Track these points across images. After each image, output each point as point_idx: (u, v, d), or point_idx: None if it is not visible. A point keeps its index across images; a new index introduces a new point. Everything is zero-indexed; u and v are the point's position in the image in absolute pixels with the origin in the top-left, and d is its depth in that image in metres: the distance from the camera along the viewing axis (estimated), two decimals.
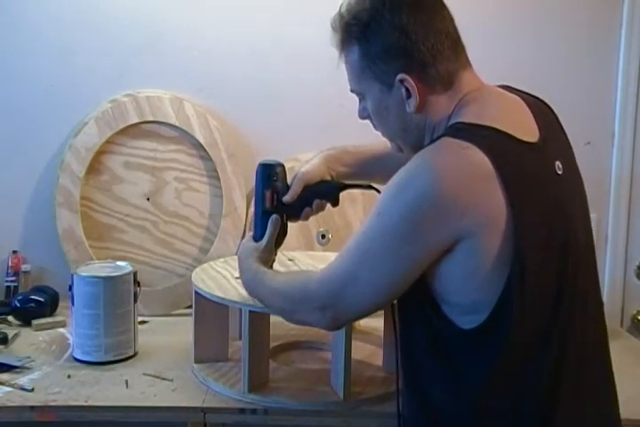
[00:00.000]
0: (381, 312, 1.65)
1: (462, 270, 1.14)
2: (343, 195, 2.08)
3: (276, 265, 1.78)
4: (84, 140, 1.97)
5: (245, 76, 2.06)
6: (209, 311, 1.65)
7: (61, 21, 2.00)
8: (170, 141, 2.04)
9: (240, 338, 1.61)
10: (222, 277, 1.68)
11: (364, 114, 1.35)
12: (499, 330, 1.14)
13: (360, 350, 1.69)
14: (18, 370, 1.63)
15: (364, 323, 1.89)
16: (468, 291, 1.15)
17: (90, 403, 1.51)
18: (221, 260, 1.84)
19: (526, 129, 1.22)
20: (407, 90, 1.23)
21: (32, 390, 1.55)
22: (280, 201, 1.49)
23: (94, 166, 2.00)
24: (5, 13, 2.00)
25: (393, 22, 1.22)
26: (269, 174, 1.49)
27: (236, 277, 1.67)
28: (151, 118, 2.00)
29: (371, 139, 2.09)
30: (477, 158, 1.12)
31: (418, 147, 1.26)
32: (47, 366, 1.67)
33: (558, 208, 1.20)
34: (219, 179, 2.04)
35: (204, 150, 2.03)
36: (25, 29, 2.00)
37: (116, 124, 1.98)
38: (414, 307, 1.23)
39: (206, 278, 1.67)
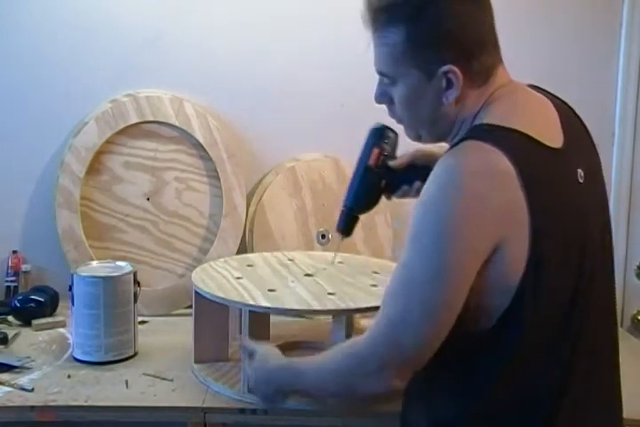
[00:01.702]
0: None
1: (492, 275, 1.12)
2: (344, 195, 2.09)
3: (275, 265, 1.78)
4: (84, 140, 1.97)
5: (245, 76, 2.06)
6: (209, 311, 1.65)
7: (61, 21, 2.00)
8: (170, 141, 2.04)
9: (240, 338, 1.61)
10: (222, 278, 1.68)
11: (382, 99, 1.29)
12: (510, 332, 1.13)
13: None
14: (18, 370, 1.63)
15: (363, 323, 1.89)
16: (488, 293, 1.13)
17: (90, 403, 1.51)
18: (221, 260, 1.84)
19: (551, 133, 1.20)
20: (449, 81, 1.18)
21: (32, 390, 1.55)
22: (385, 163, 1.46)
23: (94, 166, 2.00)
24: (5, 13, 2.00)
25: (449, 9, 1.17)
26: (382, 135, 1.46)
27: (237, 278, 1.67)
28: (151, 118, 2.00)
29: None
30: (502, 163, 1.11)
31: (441, 138, 1.24)
32: (47, 366, 1.67)
33: (576, 217, 1.17)
34: (219, 179, 2.04)
35: (204, 150, 2.03)
36: (25, 29, 2.00)
37: (115, 124, 1.98)
38: None
39: (206, 278, 1.67)
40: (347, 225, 1.55)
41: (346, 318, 1.51)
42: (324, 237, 2.09)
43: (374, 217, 2.10)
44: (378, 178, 1.46)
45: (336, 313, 1.53)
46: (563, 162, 1.18)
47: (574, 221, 1.17)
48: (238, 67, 2.05)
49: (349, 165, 2.08)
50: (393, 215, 2.12)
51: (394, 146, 1.48)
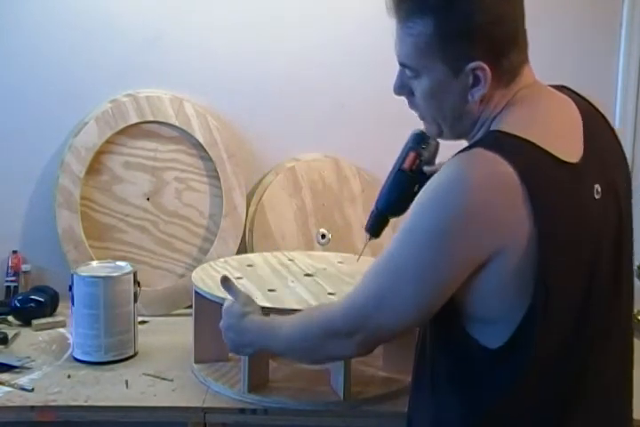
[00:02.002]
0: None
1: (490, 286, 1.10)
2: (345, 194, 2.09)
3: (275, 265, 1.78)
4: (84, 140, 1.97)
5: (245, 76, 2.06)
6: (209, 311, 1.64)
7: (62, 21, 2.00)
8: (170, 141, 2.04)
9: None
10: None
11: (402, 91, 1.22)
12: (521, 349, 1.11)
13: None
14: (18, 370, 1.63)
15: None
16: (493, 306, 1.12)
17: (90, 403, 1.51)
18: (221, 260, 1.84)
19: (569, 145, 1.15)
20: (476, 78, 1.13)
21: (32, 390, 1.55)
22: (420, 168, 1.45)
23: (94, 166, 2.00)
24: (5, 13, 2.00)
25: (481, 2, 1.10)
26: (421, 140, 1.45)
27: (237, 278, 1.67)
28: (151, 118, 2.00)
29: (372, 140, 2.11)
30: (509, 177, 1.07)
31: (463, 135, 1.20)
32: (47, 366, 1.67)
33: (588, 235, 1.13)
34: (219, 179, 2.04)
35: (204, 150, 2.03)
36: (25, 29, 2.00)
37: (115, 124, 1.98)
38: (437, 324, 1.19)
39: (206, 278, 1.67)
40: (376, 226, 1.54)
41: None
42: (324, 237, 2.09)
43: None
44: (411, 182, 1.44)
45: None
46: (577, 178, 1.13)
47: (585, 240, 1.13)
48: (238, 67, 2.05)
49: (349, 165, 2.10)
50: None
51: (433, 153, 1.46)
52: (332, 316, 1.21)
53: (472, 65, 1.12)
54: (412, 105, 1.23)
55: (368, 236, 1.56)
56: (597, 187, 1.15)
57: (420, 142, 1.44)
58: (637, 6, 2.06)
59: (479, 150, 1.10)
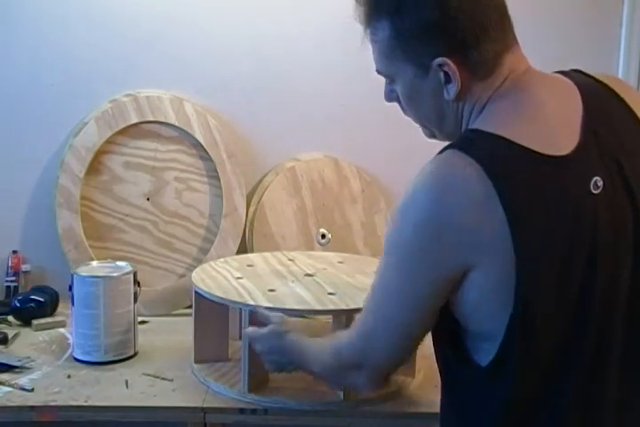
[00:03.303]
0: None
1: (472, 298, 1.06)
2: (345, 194, 2.09)
3: (275, 265, 1.78)
4: (84, 140, 1.97)
5: (246, 75, 2.06)
6: (209, 311, 1.65)
7: (62, 21, 2.00)
8: (170, 141, 2.04)
9: (240, 338, 1.61)
10: (222, 278, 1.68)
11: (391, 96, 1.20)
12: (508, 365, 1.06)
13: None
14: (18, 370, 1.63)
15: None
16: (479, 320, 1.07)
17: (90, 403, 1.51)
18: (221, 260, 1.84)
19: (561, 135, 1.07)
20: (447, 75, 1.09)
21: (32, 390, 1.55)
22: None
23: (94, 166, 2.00)
24: (5, 13, 1.99)
25: None
26: None
27: (237, 278, 1.67)
28: (151, 118, 2.00)
29: (372, 140, 2.11)
30: (479, 180, 1.02)
31: (454, 135, 1.15)
32: (47, 366, 1.67)
33: (579, 235, 1.04)
34: (219, 179, 2.04)
35: (204, 150, 2.03)
36: (25, 28, 2.00)
37: (115, 124, 1.98)
38: (439, 338, 1.17)
39: (206, 278, 1.67)
40: None
41: (346, 318, 1.51)
42: (324, 237, 2.09)
43: (374, 217, 2.11)
44: None
45: (336, 313, 1.53)
46: (565, 172, 1.05)
47: (573, 238, 1.04)
48: (238, 67, 2.05)
49: (349, 165, 2.10)
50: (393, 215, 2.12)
51: None
52: (341, 347, 1.23)
53: (437, 61, 1.09)
54: (404, 111, 1.22)
55: None
56: (597, 180, 1.06)
57: None
58: (637, 6, 2.06)
59: (449, 152, 1.07)
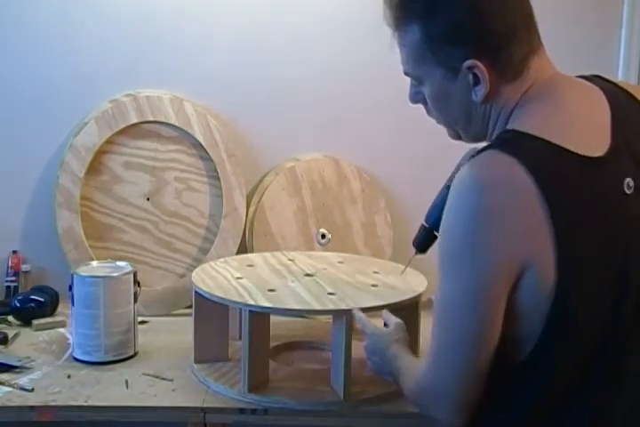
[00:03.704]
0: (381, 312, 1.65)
1: (523, 301, 1.06)
2: (345, 194, 2.09)
3: (275, 265, 1.78)
4: (84, 140, 1.97)
5: (246, 76, 2.06)
6: (209, 311, 1.65)
7: (62, 21, 2.00)
8: (170, 141, 2.04)
9: (240, 338, 1.61)
10: (222, 278, 1.68)
11: (416, 98, 1.22)
12: (542, 364, 1.07)
13: (360, 350, 1.69)
14: (18, 370, 1.63)
15: None
16: (520, 321, 1.08)
17: (90, 403, 1.51)
18: (221, 260, 1.84)
19: (594, 137, 1.10)
20: (476, 77, 1.11)
21: (32, 390, 1.55)
22: None
23: (94, 166, 2.00)
24: (5, 13, 1.99)
25: (465, 1, 1.10)
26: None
27: (237, 278, 1.67)
28: (151, 118, 2.00)
29: (372, 140, 2.11)
30: (522, 179, 1.03)
31: (480, 137, 1.17)
32: (47, 366, 1.67)
33: (616, 235, 1.07)
34: (219, 179, 2.04)
35: (204, 150, 2.03)
36: (25, 29, 2.00)
37: (115, 124, 1.98)
38: None
39: (206, 278, 1.67)
40: (423, 242, 1.55)
41: (346, 318, 1.51)
42: (324, 237, 2.09)
43: (374, 217, 2.11)
44: None
45: (336, 313, 1.53)
46: (602, 173, 1.07)
47: (612, 239, 1.07)
48: (238, 67, 2.05)
49: (349, 165, 2.10)
50: (393, 215, 2.12)
51: None
52: (419, 375, 1.18)
53: (467, 64, 1.11)
54: (429, 112, 1.23)
55: (415, 251, 1.57)
56: (629, 181, 1.09)
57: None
58: (637, 6, 2.06)
59: (490, 152, 1.08)
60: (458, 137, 1.24)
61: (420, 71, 1.17)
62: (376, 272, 1.75)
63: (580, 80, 1.19)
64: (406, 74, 1.20)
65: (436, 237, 1.52)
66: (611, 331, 1.09)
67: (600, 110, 1.13)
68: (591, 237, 1.06)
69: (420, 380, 1.18)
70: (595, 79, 1.20)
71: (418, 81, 1.19)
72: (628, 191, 1.09)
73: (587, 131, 1.10)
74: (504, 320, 1.08)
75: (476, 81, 1.12)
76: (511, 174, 1.04)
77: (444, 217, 1.10)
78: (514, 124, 1.11)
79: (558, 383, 1.09)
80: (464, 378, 1.11)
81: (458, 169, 1.40)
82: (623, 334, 1.10)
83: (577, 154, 1.06)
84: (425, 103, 1.22)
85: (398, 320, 1.43)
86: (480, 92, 1.12)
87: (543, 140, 1.07)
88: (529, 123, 1.10)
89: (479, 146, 1.17)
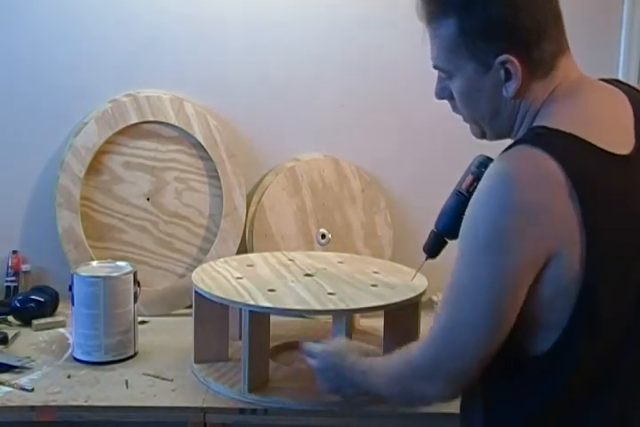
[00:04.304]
0: (381, 312, 1.65)
1: (548, 293, 1.07)
2: (345, 194, 2.09)
3: (275, 265, 1.78)
4: (84, 140, 1.97)
5: (246, 75, 2.05)
6: (209, 311, 1.65)
7: (62, 21, 2.00)
8: (170, 141, 2.04)
9: (240, 338, 1.61)
10: (222, 278, 1.68)
11: (443, 94, 1.23)
12: (565, 355, 1.08)
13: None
14: (18, 370, 1.63)
15: (364, 323, 1.89)
16: (544, 311, 1.09)
17: (90, 403, 1.51)
18: (221, 260, 1.84)
19: (619, 138, 1.11)
20: (508, 72, 1.12)
21: (32, 390, 1.55)
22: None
23: (94, 166, 2.00)
24: (5, 13, 1.99)
25: None
26: (482, 165, 1.41)
27: (237, 278, 1.67)
28: (151, 118, 2.00)
29: (372, 140, 2.11)
30: (554, 173, 1.04)
31: (505, 134, 1.18)
32: (47, 366, 1.67)
33: None
34: (219, 179, 2.04)
35: (204, 150, 2.03)
36: (25, 29, 2.00)
37: (115, 124, 1.98)
38: None
39: (206, 278, 1.67)
40: (433, 247, 1.54)
41: (346, 318, 1.51)
42: (324, 237, 2.09)
43: (374, 217, 2.11)
44: (467, 204, 1.44)
45: (336, 313, 1.53)
46: (629, 169, 1.09)
47: (638, 236, 1.08)
48: (238, 67, 2.05)
49: (349, 165, 2.10)
50: (393, 215, 2.12)
51: None
52: (412, 357, 1.19)
53: (500, 59, 1.12)
54: (454, 108, 1.24)
55: (425, 256, 1.56)
56: None
57: (479, 166, 1.42)
58: (637, 6, 2.06)
59: (521, 147, 1.09)
60: (481, 135, 1.25)
61: (452, 65, 1.17)
62: (376, 272, 1.75)
63: (604, 83, 1.21)
64: (435, 67, 1.21)
65: (445, 242, 1.52)
66: (634, 328, 1.10)
67: (623, 112, 1.15)
68: (619, 234, 1.07)
69: (414, 361, 1.18)
70: (616, 83, 1.22)
71: (448, 75, 1.19)
72: None
73: (612, 130, 1.12)
74: (527, 310, 1.09)
75: (508, 76, 1.13)
76: (544, 168, 1.05)
77: (470, 207, 1.11)
78: (542, 121, 1.13)
79: (580, 377, 1.10)
80: (467, 359, 1.12)
81: (467, 174, 1.42)
82: None
83: (606, 151, 1.08)
84: (450, 99, 1.23)
85: (334, 342, 1.43)
86: (511, 88, 1.13)
87: (574, 136, 1.08)
88: (558, 120, 1.11)
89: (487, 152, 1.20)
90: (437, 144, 2.09)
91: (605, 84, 1.21)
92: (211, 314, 1.65)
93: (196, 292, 1.64)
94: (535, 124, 1.14)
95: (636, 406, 1.13)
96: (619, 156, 1.09)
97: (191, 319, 1.68)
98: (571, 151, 1.07)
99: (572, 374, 1.09)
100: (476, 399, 1.20)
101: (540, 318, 1.09)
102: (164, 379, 1.62)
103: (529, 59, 1.12)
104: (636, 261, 1.09)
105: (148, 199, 2.04)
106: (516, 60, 1.11)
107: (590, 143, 1.08)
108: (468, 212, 1.11)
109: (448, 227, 1.48)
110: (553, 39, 1.14)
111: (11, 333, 1.81)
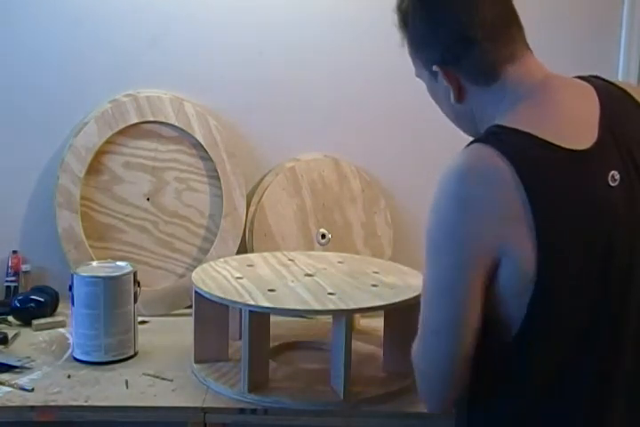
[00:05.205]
0: (381, 312, 1.65)
1: (503, 286, 1.09)
2: (345, 194, 2.09)
3: (275, 265, 1.78)
4: (84, 140, 1.97)
5: (246, 76, 2.05)
6: (209, 311, 1.65)
7: (62, 21, 2.00)
8: (170, 141, 2.04)
9: (240, 338, 1.61)
10: (222, 278, 1.68)
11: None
12: (527, 348, 1.10)
13: (360, 350, 1.69)
14: (18, 370, 1.63)
15: (364, 323, 1.89)
16: (503, 305, 1.11)
17: (90, 403, 1.51)
18: (221, 260, 1.84)
19: (581, 132, 1.12)
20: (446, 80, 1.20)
21: (32, 390, 1.55)
22: None
23: (94, 166, 2.00)
24: (5, 13, 1.99)
25: (421, 9, 1.19)
26: None
27: (237, 278, 1.67)
28: (151, 118, 2.00)
29: (372, 140, 2.11)
30: (502, 169, 1.07)
31: (476, 134, 1.21)
32: (47, 366, 1.67)
33: (597, 225, 1.09)
34: (219, 179, 2.04)
35: (204, 150, 2.03)
36: (25, 29, 2.00)
37: (116, 124, 1.98)
38: None
39: (206, 278, 1.67)
40: None
41: (346, 318, 1.51)
42: (324, 237, 2.09)
43: (374, 217, 2.11)
44: None
45: (336, 313, 1.53)
46: (586, 165, 1.10)
47: (593, 231, 1.09)
48: (238, 67, 2.05)
49: (349, 165, 2.10)
50: (393, 215, 2.12)
51: None
52: (413, 354, 1.21)
53: (433, 68, 1.20)
54: None
55: None
56: (614, 173, 1.11)
57: None
58: (637, 6, 2.06)
59: (474, 145, 1.12)
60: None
61: (417, 72, 1.28)
62: (376, 272, 1.75)
63: (574, 79, 1.22)
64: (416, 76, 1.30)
65: None
66: (598, 318, 1.11)
67: (589, 106, 1.16)
68: (572, 229, 1.08)
69: (415, 364, 1.20)
70: (591, 79, 1.23)
71: (420, 78, 1.28)
72: (612, 184, 1.11)
73: (573, 126, 1.13)
74: (488, 304, 1.11)
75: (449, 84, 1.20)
76: (490, 164, 1.08)
77: (431, 209, 1.14)
78: (500, 122, 1.15)
79: (544, 367, 1.11)
80: (448, 361, 1.14)
81: None
82: (612, 322, 1.12)
83: (561, 147, 1.10)
84: None
85: None
86: (452, 95, 1.21)
87: (528, 133, 1.10)
88: (516, 119, 1.13)
89: None
90: (437, 144, 2.08)
91: (577, 80, 1.22)
92: (211, 314, 1.65)
93: (196, 292, 1.64)
94: (496, 122, 1.16)
95: (603, 393, 1.13)
96: (576, 151, 1.10)
97: (191, 319, 1.68)
98: (522, 149, 1.09)
99: (536, 363, 1.11)
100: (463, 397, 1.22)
101: (501, 312, 1.11)
102: (163, 379, 1.62)
103: (460, 69, 1.18)
104: (590, 254, 1.09)
105: (148, 199, 2.04)
106: (443, 71, 1.19)
107: (545, 140, 1.09)
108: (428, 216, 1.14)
109: None
110: (491, 50, 1.17)
111: (11, 333, 1.81)
